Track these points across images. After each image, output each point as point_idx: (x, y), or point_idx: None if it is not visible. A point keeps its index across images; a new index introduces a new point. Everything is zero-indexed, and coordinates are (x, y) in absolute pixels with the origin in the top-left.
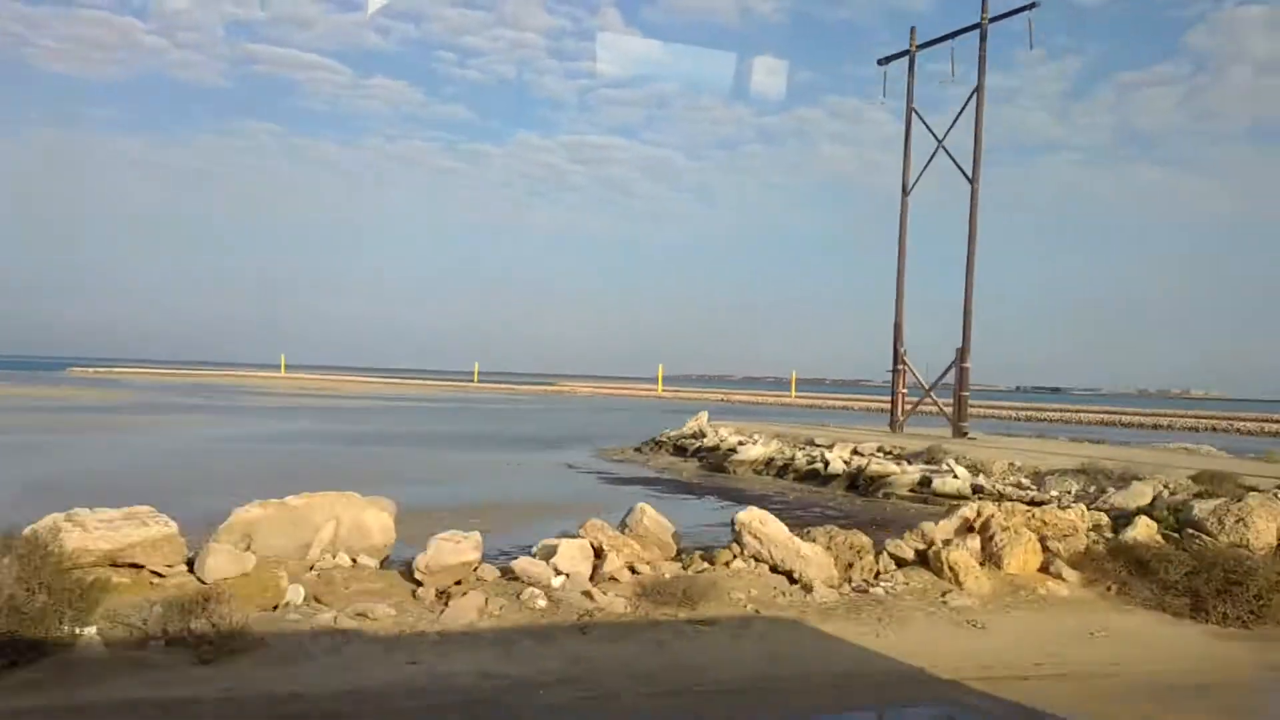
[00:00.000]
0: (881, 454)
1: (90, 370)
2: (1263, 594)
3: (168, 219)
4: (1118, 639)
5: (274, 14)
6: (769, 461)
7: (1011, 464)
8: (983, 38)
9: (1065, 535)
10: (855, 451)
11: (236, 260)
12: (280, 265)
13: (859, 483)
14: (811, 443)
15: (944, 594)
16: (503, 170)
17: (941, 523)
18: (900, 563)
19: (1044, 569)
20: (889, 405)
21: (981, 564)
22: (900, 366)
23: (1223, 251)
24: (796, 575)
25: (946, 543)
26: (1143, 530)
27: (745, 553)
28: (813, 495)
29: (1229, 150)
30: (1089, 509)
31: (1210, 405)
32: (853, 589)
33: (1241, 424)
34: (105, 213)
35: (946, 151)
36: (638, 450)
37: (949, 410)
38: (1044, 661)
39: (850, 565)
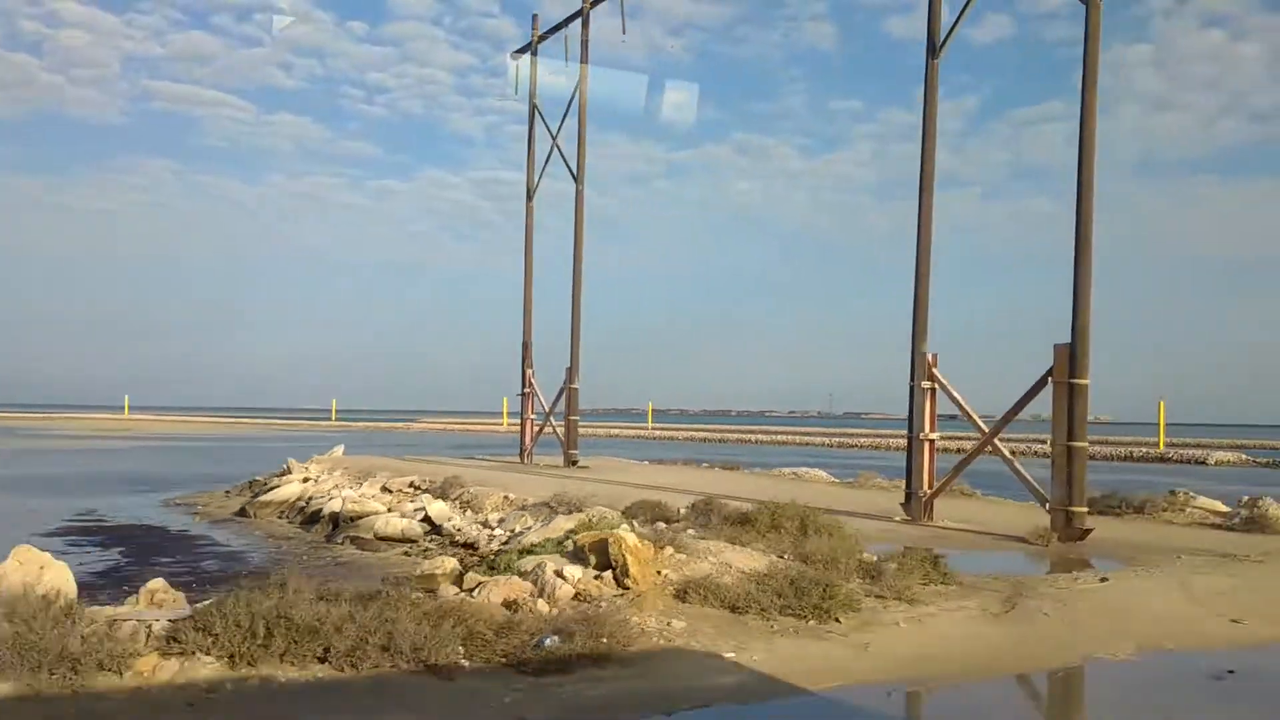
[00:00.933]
0: (411, 489)
1: None
2: None
3: (67, 261)
4: None
5: (173, 50)
6: (294, 502)
7: (506, 498)
8: (585, 24)
9: None
10: (384, 488)
11: (127, 300)
12: (175, 305)
13: (339, 524)
14: (371, 478)
15: None
16: (411, 207)
17: None
18: None
19: None
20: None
21: None
22: (527, 390)
23: (1110, 281)
24: None
25: None
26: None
27: None
28: (277, 541)
29: (1117, 183)
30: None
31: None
32: None
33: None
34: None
35: (560, 152)
36: (227, 493)
37: (564, 435)
38: None
39: None
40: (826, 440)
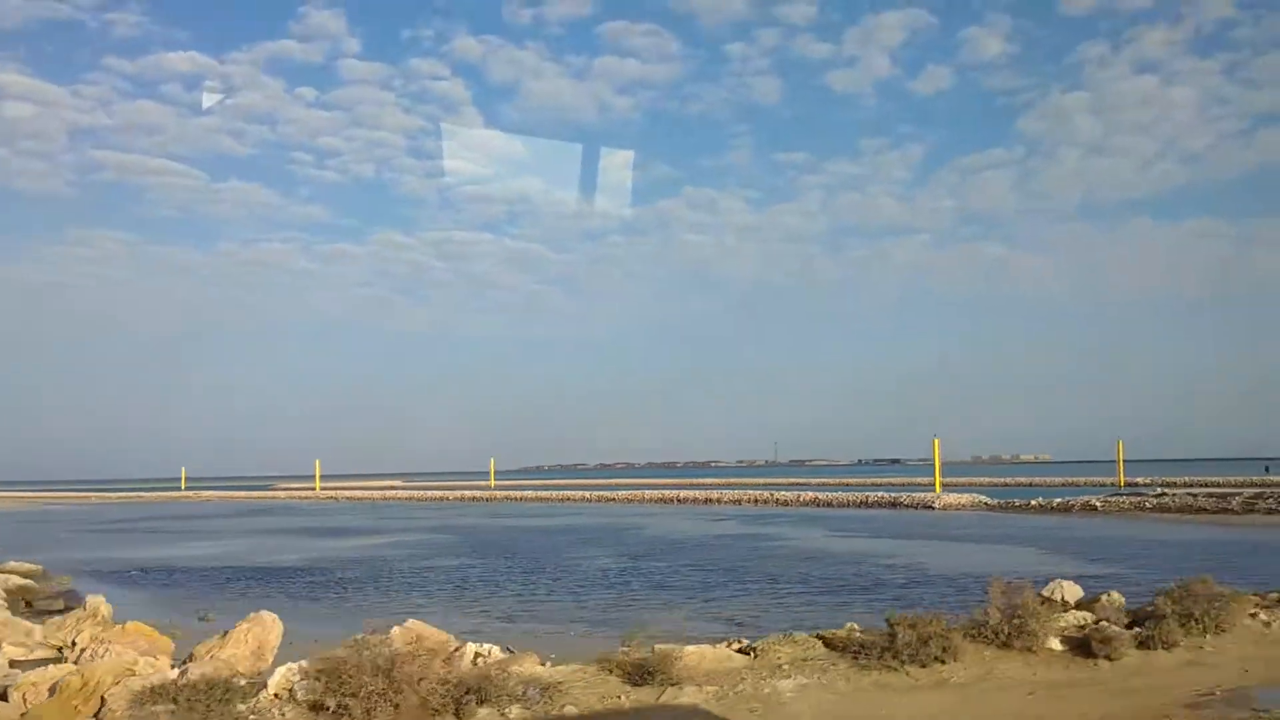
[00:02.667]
0: None
1: None
2: None
3: (12, 335)
4: None
5: (120, 120)
6: None
7: None
8: None
9: None
10: None
11: (75, 375)
12: (123, 378)
13: None
14: None
15: None
16: (364, 270)
17: None
18: None
19: None
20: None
21: None
22: None
23: (1056, 321)
24: None
25: None
26: None
27: None
28: None
29: (1059, 227)
30: None
31: (999, 471)
32: None
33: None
34: None
35: None
36: None
37: None
38: None
39: None
40: (587, 493)
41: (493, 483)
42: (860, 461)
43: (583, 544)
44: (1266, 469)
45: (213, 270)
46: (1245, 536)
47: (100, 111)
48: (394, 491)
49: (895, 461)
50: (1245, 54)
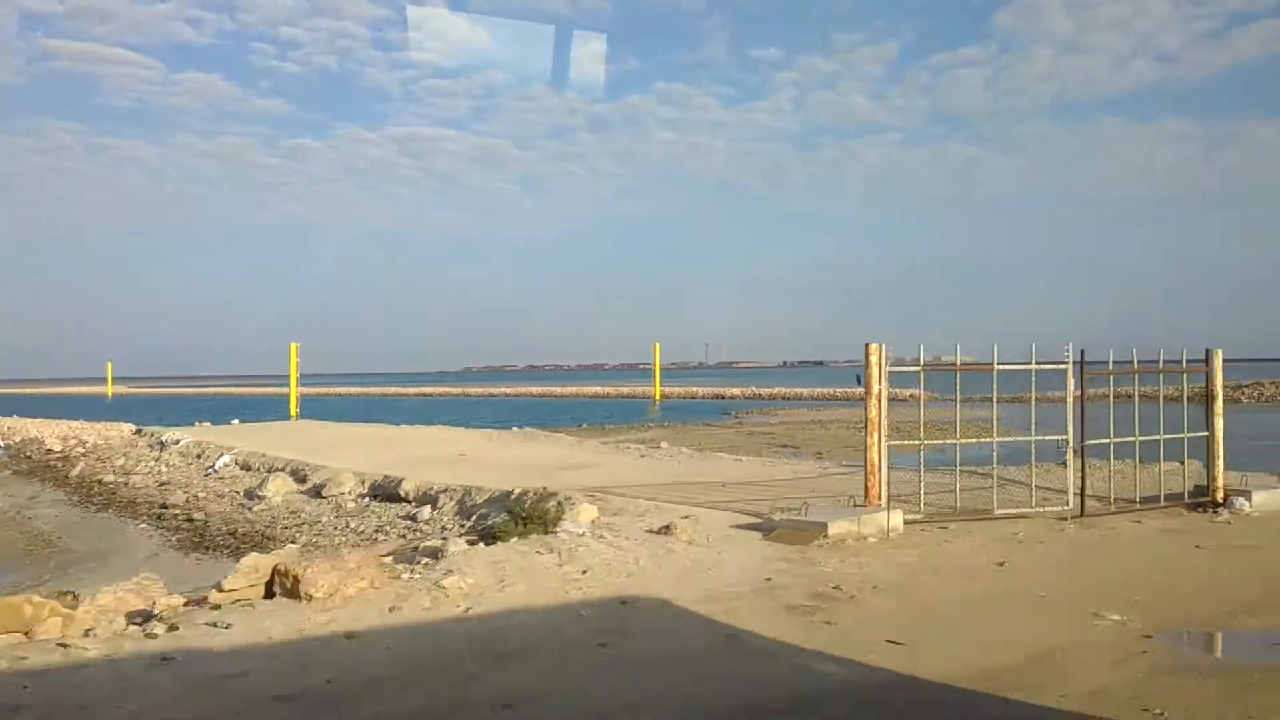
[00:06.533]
0: None
1: None
2: None
3: None
4: None
5: (73, 7)
6: None
7: None
8: None
9: None
10: None
11: (24, 268)
12: (76, 272)
13: None
14: None
15: None
16: (326, 164)
17: None
18: None
19: None
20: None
21: None
22: None
23: (1020, 222)
24: None
25: None
26: None
27: None
28: None
29: (1031, 126)
30: None
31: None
32: None
33: None
34: None
35: None
36: None
37: None
38: None
39: None
40: None
41: (110, 391)
42: (785, 364)
43: None
44: (858, 378)
45: (167, 162)
46: None
47: None
48: None
49: (819, 364)
50: None
